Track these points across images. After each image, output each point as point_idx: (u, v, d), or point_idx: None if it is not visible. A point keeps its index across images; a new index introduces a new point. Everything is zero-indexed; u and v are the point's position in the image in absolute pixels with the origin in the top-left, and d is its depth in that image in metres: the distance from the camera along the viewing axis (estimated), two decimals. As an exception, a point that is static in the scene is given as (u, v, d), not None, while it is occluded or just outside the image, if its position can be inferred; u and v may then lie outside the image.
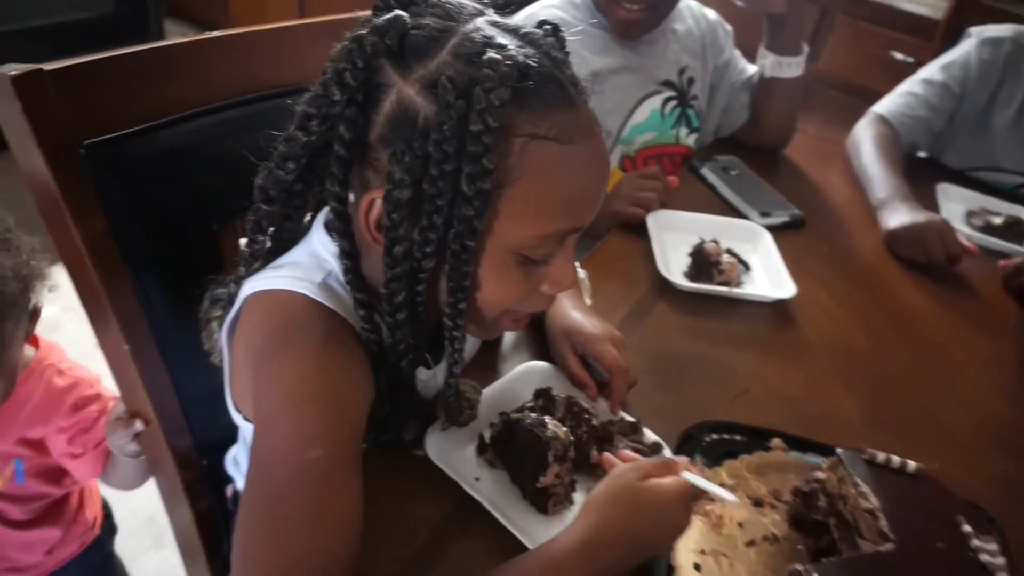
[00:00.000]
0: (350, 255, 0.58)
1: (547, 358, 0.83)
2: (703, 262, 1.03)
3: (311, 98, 0.55)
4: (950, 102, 1.48)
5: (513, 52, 0.52)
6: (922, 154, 1.57)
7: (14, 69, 0.62)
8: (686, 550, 0.64)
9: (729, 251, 1.06)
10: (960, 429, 0.88)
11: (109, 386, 0.81)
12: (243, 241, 0.66)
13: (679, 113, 1.35)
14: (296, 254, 0.64)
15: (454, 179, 0.52)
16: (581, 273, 0.92)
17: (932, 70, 1.50)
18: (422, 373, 0.68)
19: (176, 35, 0.74)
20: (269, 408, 0.56)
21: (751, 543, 0.67)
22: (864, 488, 0.65)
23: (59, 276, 0.75)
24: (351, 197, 0.58)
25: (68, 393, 0.91)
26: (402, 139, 0.53)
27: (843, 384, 0.91)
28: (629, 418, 0.77)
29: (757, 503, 0.71)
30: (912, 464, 0.69)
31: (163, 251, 0.75)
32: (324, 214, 0.63)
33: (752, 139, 1.44)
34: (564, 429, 0.68)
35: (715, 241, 1.06)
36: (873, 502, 0.63)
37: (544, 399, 0.73)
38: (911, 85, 1.51)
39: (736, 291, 1.02)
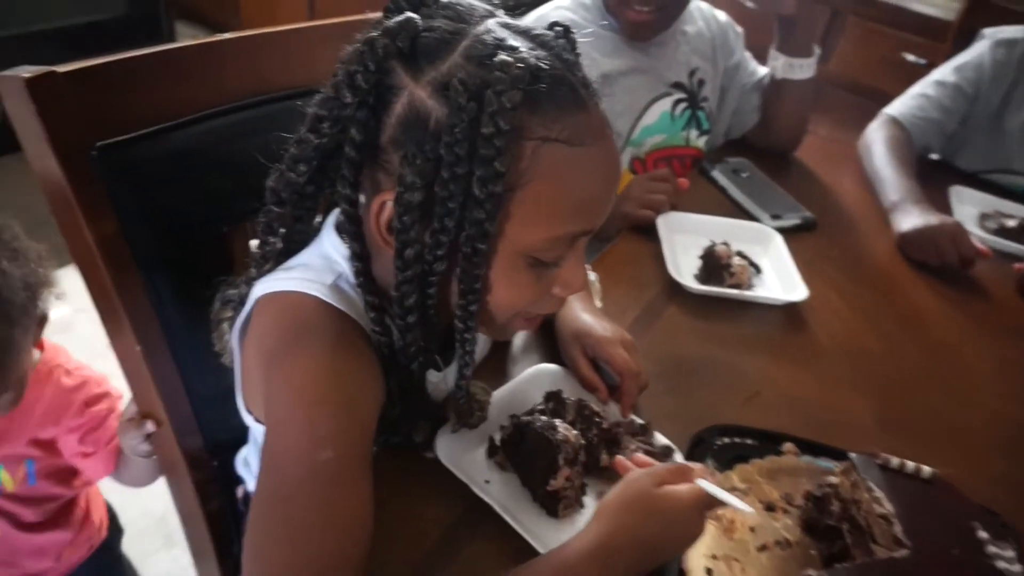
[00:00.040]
0: (361, 257, 0.58)
1: (557, 361, 0.83)
2: (714, 265, 1.03)
3: (322, 100, 0.55)
4: (963, 104, 1.47)
5: (525, 54, 0.52)
6: (934, 156, 1.56)
7: (28, 71, 0.63)
8: (697, 555, 0.63)
9: (740, 253, 1.05)
10: (975, 433, 0.87)
11: (118, 386, 0.81)
12: (254, 243, 0.66)
13: (689, 115, 1.34)
14: (307, 256, 0.64)
15: (466, 182, 0.52)
16: (591, 276, 0.92)
17: (945, 72, 1.49)
18: (432, 375, 0.68)
19: (187, 37, 0.75)
20: (280, 409, 0.56)
21: (763, 548, 0.66)
22: (878, 493, 0.64)
23: (71, 277, 0.75)
24: (362, 199, 0.58)
25: (77, 392, 0.91)
26: (413, 142, 0.53)
27: (855, 388, 0.91)
28: (639, 420, 0.76)
29: (769, 508, 0.70)
30: (926, 469, 0.68)
31: (174, 252, 0.76)
32: (335, 216, 0.63)
33: (763, 141, 1.43)
34: (575, 432, 0.68)
35: (726, 243, 1.05)
36: (887, 507, 0.63)
37: (554, 402, 0.73)
38: (924, 87, 1.50)
39: (747, 294, 1.01)
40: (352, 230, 0.58)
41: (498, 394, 0.76)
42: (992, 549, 0.61)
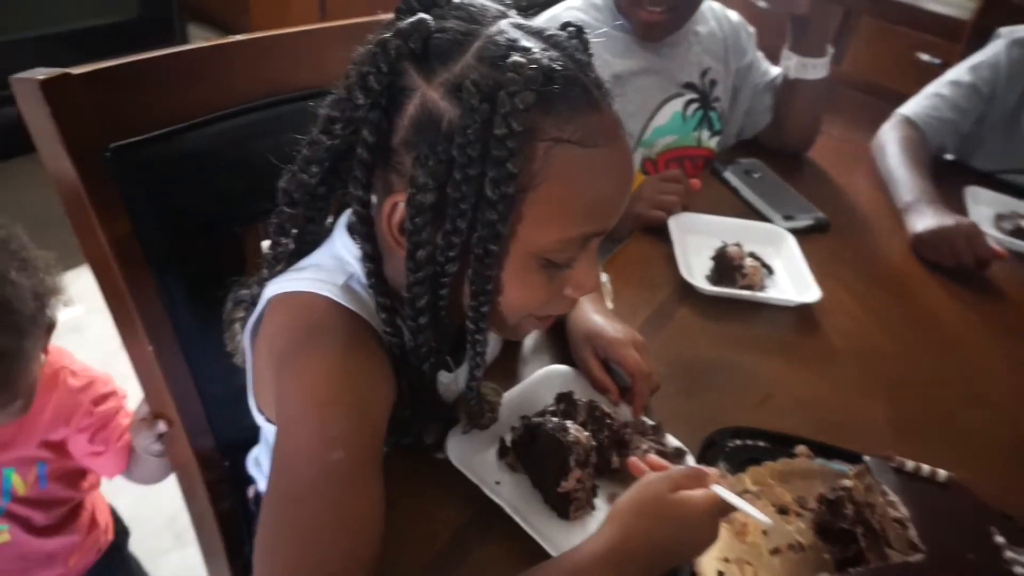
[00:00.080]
0: (373, 258, 0.58)
1: (568, 362, 0.83)
2: (726, 266, 1.02)
3: (334, 101, 0.55)
4: (979, 104, 1.45)
5: (538, 55, 0.51)
6: (949, 156, 1.54)
7: (42, 73, 0.63)
8: (710, 558, 0.63)
9: (752, 255, 1.05)
10: (991, 436, 0.86)
11: (132, 387, 0.81)
12: (266, 243, 0.66)
13: (701, 115, 1.34)
14: (319, 256, 0.64)
15: (478, 183, 0.52)
16: (603, 277, 0.91)
17: (960, 71, 1.48)
18: (443, 376, 0.68)
19: (199, 39, 0.75)
20: (292, 410, 0.56)
21: (775, 551, 0.66)
22: (892, 497, 0.63)
23: (84, 277, 0.75)
24: (374, 200, 0.58)
25: (85, 392, 0.92)
26: (426, 143, 0.52)
27: (869, 390, 0.90)
28: (650, 422, 0.76)
29: (782, 511, 0.70)
30: (942, 472, 0.68)
31: (187, 253, 0.76)
32: (347, 217, 0.64)
33: (775, 141, 1.42)
34: (586, 434, 0.68)
35: (738, 244, 1.05)
36: (902, 511, 0.62)
37: (566, 403, 0.73)
38: (938, 87, 1.48)
39: (759, 295, 1.01)
40: (364, 231, 0.58)
41: (509, 395, 0.75)
42: (1009, 555, 0.60)
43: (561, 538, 0.63)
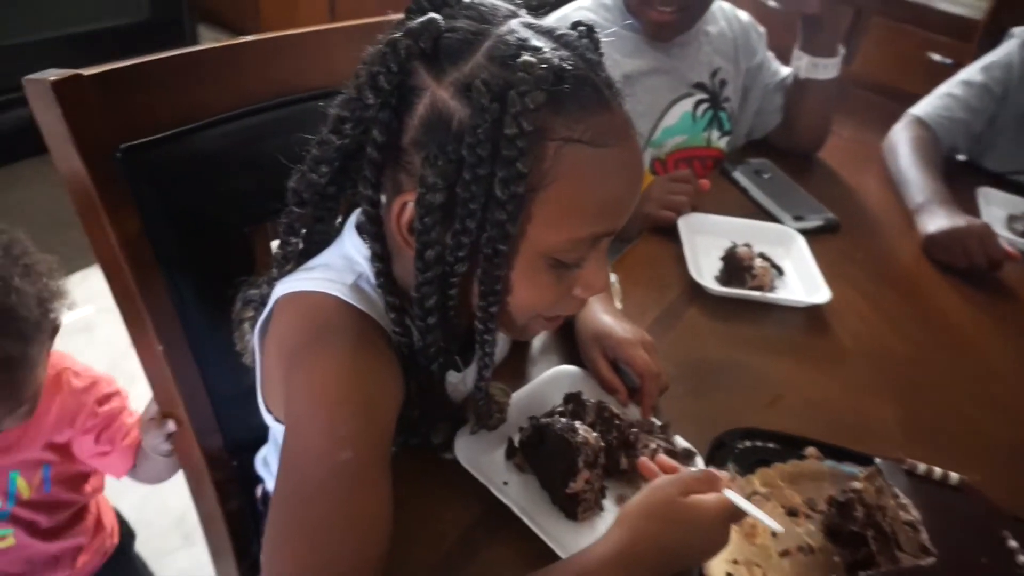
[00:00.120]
0: (382, 258, 0.58)
1: (577, 362, 0.82)
2: (735, 266, 1.02)
3: (344, 101, 0.55)
4: (991, 104, 1.44)
5: (548, 55, 0.51)
6: (961, 157, 1.53)
7: (54, 74, 0.63)
8: (719, 560, 0.63)
9: (762, 255, 1.04)
10: (1004, 439, 0.85)
11: (142, 386, 0.82)
12: (275, 243, 0.66)
13: (711, 116, 1.33)
14: (328, 256, 0.64)
15: (487, 183, 0.52)
16: (612, 277, 0.91)
17: (972, 71, 1.47)
18: (452, 376, 0.68)
19: (210, 40, 0.75)
20: (301, 409, 0.56)
21: (785, 554, 0.66)
22: (904, 499, 0.63)
23: (95, 277, 0.76)
24: (383, 200, 0.58)
25: (88, 392, 0.92)
26: (435, 143, 0.52)
27: (880, 392, 0.89)
28: (658, 422, 0.76)
29: (791, 512, 0.69)
30: (954, 475, 0.67)
31: (197, 253, 0.76)
32: (356, 216, 0.64)
33: (785, 142, 1.42)
34: (594, 435, 0.67)
35: (747, 245, 1.04)
36: (914, 514, 0.62)
37: (574, 404, 0.73)
38: (950, 87, 1.47)
39: (769, 296, 1.00)
40: (373, 231, 0.58)
41: (517, 395, 0.75)
42: (1022, 559, 0.60)
43: (569, 539, 0.63)
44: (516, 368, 0.83)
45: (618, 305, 0.89)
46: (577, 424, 0.67)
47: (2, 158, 2.44)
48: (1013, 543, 0.61)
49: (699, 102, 1.31)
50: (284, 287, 0.61)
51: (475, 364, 0.65)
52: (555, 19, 1.16)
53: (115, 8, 2.77)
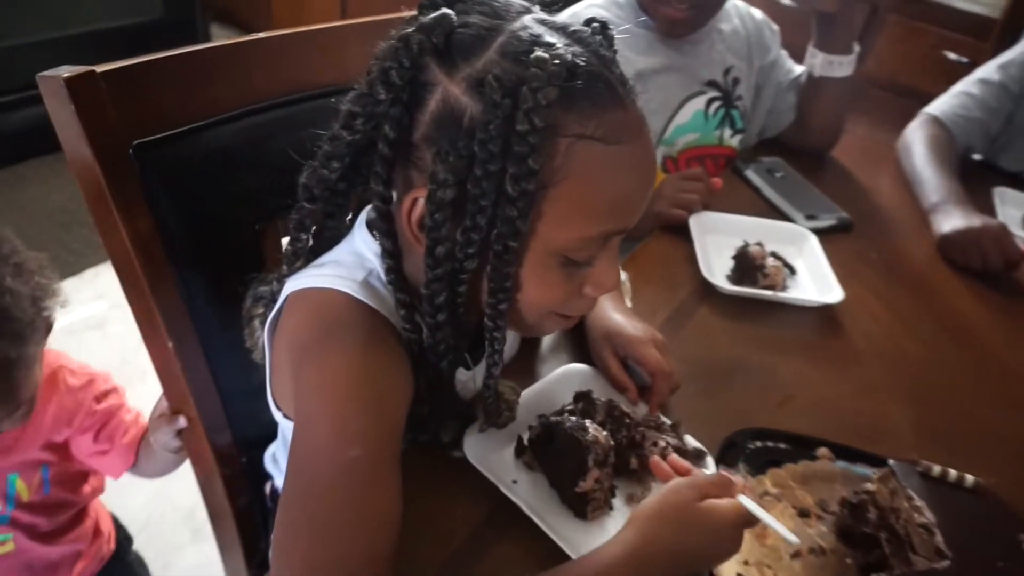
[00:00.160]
0: (392, 254, 0.58)
1: (587, 361, 0.82)
2: (747, 265, 1.01)
3: (356, 97, 0.55)
4: (1008, 103, 1.42)
5: (561, 51, 0.51)
6: (977, 156, 1.52)
7: (67, 71, 0.64)
8: (729, 561, 0.62)
9: (774, 254, 1.03)
10: (1020, 442, 0.84)
11: (152, 383, 0.82)
12: (285, 240, 0.66)
13: (723, 114, 1.32)
14: (338, 253, 0.64)
15: (498, 179, 0.51)
16: (622, 275, 0.91)
17: (989, 70, 1.45)
18: (461, 374, 0.68)
19: (222, 39, 0.75)
20: (310, 406, 0.56)
21: (796, 555, 0.65)
22: (918, 502, 0.62)
23: (107, 274, 0.76)
24: (394, 196, 0.58)
25: (86, 390, 0.92)
26: (447, 138, 0.52)
27: (893, 393, 0.88)
28: (667, 421, 0.75)
29: (803, 514, 0.69)
30: (969, 478, 0.66)
31: (208, 250, 0.76)
32: (366, 213, 0.63)
33: (798, 140, 1.41)
34: (604, 433, 0.67)
35: (759, 244, 1.03)
36: (928, 516, 0.61)
37: (584, 402, 0.72)
38: (966, 85, 1.46)
39: (781, 295, 0.99)
40: (384, 227, 0.57)
41: (527, 394, 0.75)
42: (1039, 562, 0.59)
43: (578, 538, 0.63)
44: (526, 366, 0.83)
45: (628, 304, 0.89)
46: (587, 423, 0.67)
47: (18, 155, 2.46)
48: (1029, 547, 0.60)
49: (711, 100, 1.30)
50: (294, 284, 0.61)
51: (484, 362, 0.65)
52: (568, 16, 1.16)
53: (129, 7, 2.79)
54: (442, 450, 0.70)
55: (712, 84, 1.30)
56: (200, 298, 0.76)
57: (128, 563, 1.11)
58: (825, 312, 0.99)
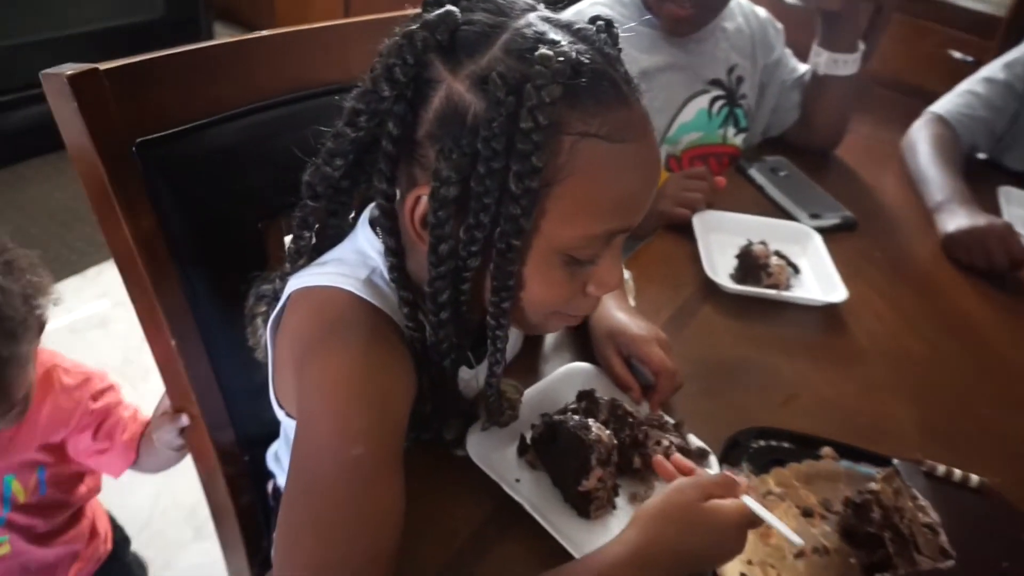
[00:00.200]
0: (395, 252, 0.58)
1: (590, 359, 0.82)
2: (751, 264, 1.01)
3: (360, 94, 0.55)
4: (1013, 102, 1.42)
5: (566, 48, 0.51)
6: (982, 156, 1.51)
7: (71, 68, 0.64)
8: (733, 560, 0.62)
9: (778, 253, 1.03)
10: None
11: (155, 381, 0.82)
12: (288, 238, 0.66)
13: (727, 113, 1.32)
14: (341, 251, 0.64)
15: (502, 177, 0.51)
16: (625, 274, 0.90)
17: (994, 68, 1.45)
18: (464, 372, 0.68)
19: (225, 37, 0.75)
20: (313, 404, 0.56)
21: (800, 555, 0.65)
22: (923, 501, 0.62)
23: (110, 271, 0.76)
24: (397, 194, 0.58)
25: (82, 389, 0.91)
26: (450, 136, 0.52)
27: (897, 393, 0.88)
28: (670, 420, 0.75)
29: (806, 513, 0.69)
30: (974, 477, 0.66)
31: (210, 248, 0.76)
32: (369, 211, 0.63)
33: (802, 139, 1.41)
34: (607, 432, 0.67)
35: (763, 243, 1.03)
36: (932, 516, 0.61)
37: (587, 401, 0.72)
38: (972, 84, 1.45)
39: (785, 294, 0.99)
40: (387, 225, 0.57)
41: (530, 392, 0.75)
42: (1044, 563, 0.59)
43: (581, 537, 0.62)
44: (529, 364, 0.83)
45: (632, 302, 0.89)
46: (590, 422, 0.67)
47: (22, 154, 2.46)
48: (1034, 547, 0.60)
49: (715, 99, 1.30)
50: (297, 282, 0.61)
51: (487, 360, 0.65)
52: (572, 13, 1.16)
53: (132, 6, 2.79)
54: (445, 449, 0.70)
55: (716, 83, 1.29)
56: (203, 296, 0.76)
57: (126, 564, 1.11)
58: (829, 311, 0.99)
